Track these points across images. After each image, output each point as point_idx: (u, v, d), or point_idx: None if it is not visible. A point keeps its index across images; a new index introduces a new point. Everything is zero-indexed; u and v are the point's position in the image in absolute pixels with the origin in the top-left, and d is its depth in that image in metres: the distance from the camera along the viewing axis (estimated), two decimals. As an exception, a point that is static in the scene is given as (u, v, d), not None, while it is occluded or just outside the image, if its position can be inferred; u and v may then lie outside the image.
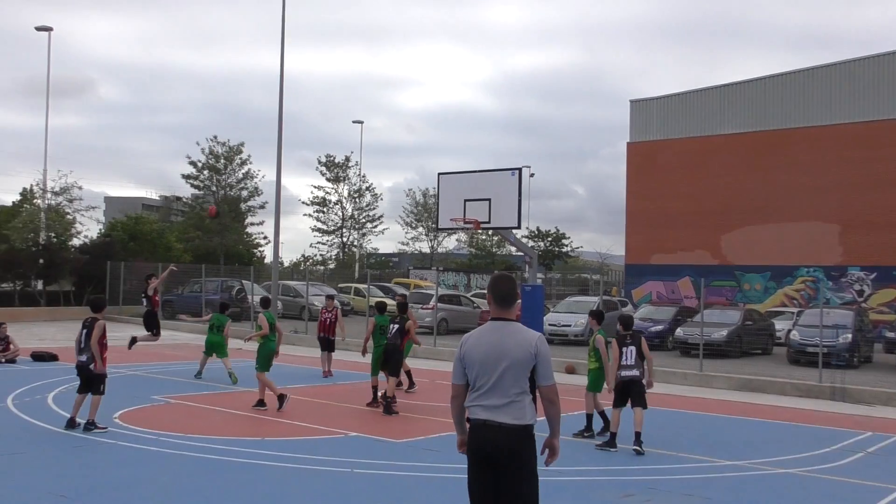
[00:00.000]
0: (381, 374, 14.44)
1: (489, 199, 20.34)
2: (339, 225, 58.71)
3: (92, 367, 11.12)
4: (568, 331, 27.39)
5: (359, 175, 58.38)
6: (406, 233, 62.85)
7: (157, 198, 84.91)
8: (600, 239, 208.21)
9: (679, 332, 25.33)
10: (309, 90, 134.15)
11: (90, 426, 11.00)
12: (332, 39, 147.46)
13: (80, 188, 39.21)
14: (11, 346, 19.19)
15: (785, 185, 35.21)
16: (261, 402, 13.45)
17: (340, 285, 43.21)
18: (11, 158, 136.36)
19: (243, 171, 49.67)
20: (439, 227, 23.53)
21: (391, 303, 18.07)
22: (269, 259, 53.69)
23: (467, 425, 5.20)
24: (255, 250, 56.70)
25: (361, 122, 58.15)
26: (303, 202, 62.25)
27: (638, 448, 10.83)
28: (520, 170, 20.96)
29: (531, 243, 61.92)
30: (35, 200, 42.51)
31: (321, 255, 61.22)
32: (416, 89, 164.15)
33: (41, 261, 35.59)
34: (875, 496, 9.27)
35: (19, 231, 36.83)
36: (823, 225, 34.39)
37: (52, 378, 16.22)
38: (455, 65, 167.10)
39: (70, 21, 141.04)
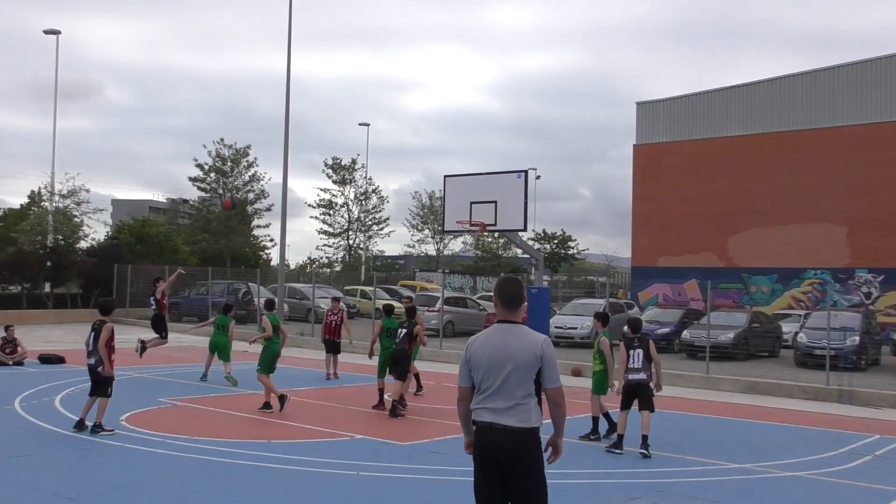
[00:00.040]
0: (388, 377, 14.45)
1: (495, 202, 20.34)
2: (345, 227, 58.79)
3: (100, 369, 11.15)
4: (574, 333, 27.35)
5: (365, 177, 58.50)
6: (412, 235, 63.00)
7: (164, 200, 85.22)
8: (606, 241, 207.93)
9: (685, 334, 25.28)
10: (315, 93, 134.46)
11: (97, 428, 11.02)
12: (339, 42, 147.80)
13: (87, 191, 39.36)
14: (19, 349, 19.24)
15: (792, 187, 35.12)
16: (267, 405, 13.46)
17: (346, 287, 43.26)
18: (19, 161, 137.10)
19: (250, 173, 49.79)
20: (445, 229, 23.54)
21: (398, 305, 18.08)
22: (275, 261, 53.75)
23: (474, 427, 5.20)
24: (262, 253, 56.78)
25: (367, 125, 58.25)
26: (309, 205, 62.21)
27: (645, 451, 10.81)
28: (526, 172, 20.96)
29: (537, 246, 61.91)
30: (43, 203, 42.64)
31: (327, 257, 61.39)
32: (422, 92, 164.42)
33: (49, 263, 35.69)
34: (883, 499, 9.23)
35: (27, 234, 36.94)
36: (830, 227, 34.28)
37: (59, 380, 16.27)
38: (461, 67, 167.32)
39: (78, 24, 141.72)
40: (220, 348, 17.31)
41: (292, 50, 28.13)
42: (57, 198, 38.59)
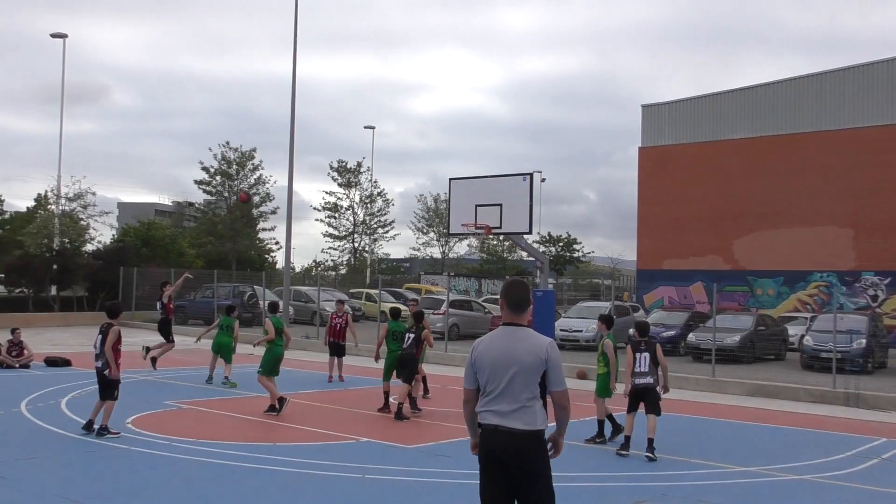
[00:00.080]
0: (394, 381, 14.46)
1: (500, 205, 20.33)
2: (350, 230, 58.84)
3: (106, 372, 11.18)
4: (579, 336, 27.32)
5: (370, 180, 58.56)
6: (417, 238, 62.99)
7: (170, 203, 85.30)
8: (612, 244, 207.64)
9: (691, 337, 25.23)
10: (321, 96, 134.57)
11: (103, 431, 11.04)
12: (344, 45, 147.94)
13: (93, 194, 39.55)
14: (25, 352, 19.29)
15: (798, 190, 35.05)
16: (272, 408, 13.47)
17: (352, 290, 43.30)
18: (26, 164, 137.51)
19: (255, 176, 49.91)
20: (450, 232, 23.54)
21: (404, 308, 18.06)
22: (280, 264, 53.79)
23: (479, 430, 5.21)
24: (267, 255, 56.89)
25: (373, 128, 58.28)
26: (314, 207, 62.39)
27: (650, 454, 10.80)
28: (531, 175, 20.94)
29: (542, 248, 61.89)
30: (49, 206, 42.79)
31: (333, 260, 61.41)
32: (428, 95, 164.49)
33: (55, 266, 35.79)
34: (891, 503, 9.20)
35: (33, 237, 37.09)
36: (837, 229, 34.20)
37: (65, 383, 16.30)
38: (466, 70, 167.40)
39: (84, 28, 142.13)
40: (222, 349, 17.36)
41: (298, 53, 28.17)
42: (63, 201, 38.75)
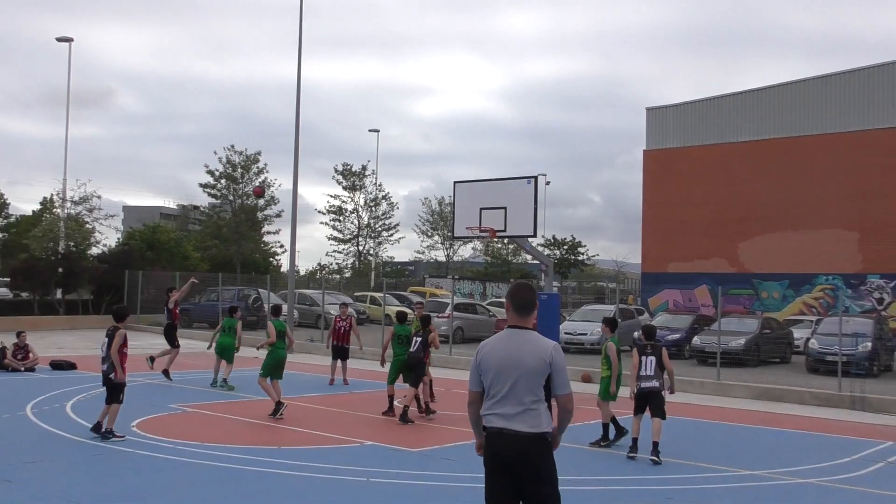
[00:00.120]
0: (400, 384, 14.46)
1: (505, 208, 20.35)
2: (355, 234, 58.90)
3: (112, 375, 11.20)
4: (584, 339, 27.28)
5: (375, 183, 58.62)
6: (422, 241, 63.04)
7: (175, 207, 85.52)
8: (616, 247, 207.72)
9: (696, 340, 25.19)
10: (325, 99, 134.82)
11: (108, 434, 11.06)
12: (349, 49, 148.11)
13: (99, 197, 39.60)
14: (31, 355, 19.33)
15: (803, 193, 35.00)
16: (277, 411, 13.47)
17: (356, 294, 43.32)
18: (32, 168, 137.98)
19: (260, 179, 49.95)
20: (455, 235, 23.59)
21: (410, 312, 18.07)
22: (285, 268, 53.92)
23: (484, 433, 5.21)
24: (272, 259, 56.98)
25: (377, 131, 58.39)
26: (319, 211, 62.47)
27: (655, 458, 10.78)
28: (535, 178, 20.96)
29: (547, 251, 61.83)
30: (55, 210, 42.92)
31: (337, 263, 61.51)
32: (432, 98, 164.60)
33: (60, 270, 35.87)
34: (896, 507, 9.16)
35: (39, 240, 37.16)
36: (842, 232, 34.14)
37: (70, 386, 16.32)
38: (470, 73, 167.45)
39: (90, 32, 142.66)
40: (225, 350, 17.39)
41: (303, 56, 28.21)
42: (69, 204, 38.84)
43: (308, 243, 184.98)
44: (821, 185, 34.56)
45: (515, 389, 5.05)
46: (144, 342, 26.27)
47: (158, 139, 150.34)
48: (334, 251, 59.88)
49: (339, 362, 18.89)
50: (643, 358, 11.30)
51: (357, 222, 58.72)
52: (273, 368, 13.68)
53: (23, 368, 18.80)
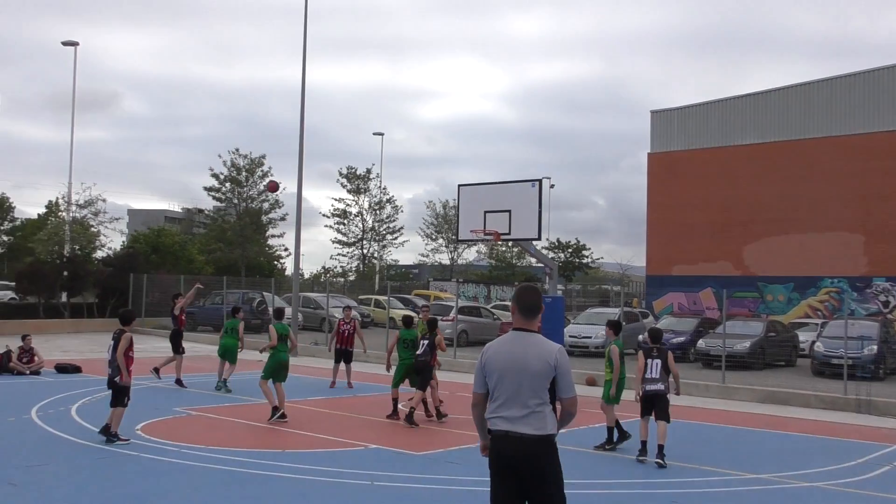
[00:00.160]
0: (405, 387, 14.47)
1: (509, 211, 20.32)
2: (359, 237, 58.92)
3: (117, 379, 11.21)
4: (588, 342, 27.25)
5: (379, 187, 58.65)
6: (426, 244, 63.04)
7: (180, 210, 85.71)
8: (621, 250, 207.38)
9: (701, 343, 25.13)
10: (330, 102, 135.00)
11: (113, 438, 11.07)
12: (353, 52, 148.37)
13: (104, 201, 39.73)
14: (36, 358, 19.37)
15: (808, 195, 34.92)
16: (282, 414, 13.47)
17: (361, 297, 43.33)
18: (37, 172, 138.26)
19: (264, 183, 50.03)
20: (459, 238, 23.53)
21: (416, 317, 18.06)
22: (289, 271, 54.01)
23: (489, 435, 5.21)
24: (276, 262, 57.05)
25: (382, 134, 58.40)
26: (323, 214, 62.48)
27: (660, 461, 10.77)
28: (540, 181, 20.93)
29: (551, 255, 61.79)
30: (60, 213, 43.03)
31: (342, 266, 61.51)
32: (436, 101, 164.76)
33: (65, 273, 35.97)
34: (902, 511, 9.13)
35: (44, 244, 37.29)
36: (848, 235, 34.05)
37: (75, 390, 16.35)
38: (475, 76, 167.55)
39: (95, 36, 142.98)
40: (228, 351, 17.40)
41: (307, 60, 28.25)
42: (74, 208, 38.95)
43: (312, 246, 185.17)
44: (826, 188, 34.48)
45: (520, 392, 5.05)
46: (149, 345, 26.32)
47: (163, 142, 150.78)
48: (339, 254, 59.96)
49: (342, 365, 18.89)
50: (649, 361, 11.30)
51: (361, 225, 58.77)
52: (274, 371, 13.67)
53: (28, 372, 18.84)
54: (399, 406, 14.30)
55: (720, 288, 28.35)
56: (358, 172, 57.83)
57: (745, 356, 23.87)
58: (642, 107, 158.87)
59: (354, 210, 58.25)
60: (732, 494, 9.65)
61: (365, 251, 59.66)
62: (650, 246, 40.14)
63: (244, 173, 49.63)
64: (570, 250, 65.07)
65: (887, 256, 33.10)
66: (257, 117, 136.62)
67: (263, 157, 49.95)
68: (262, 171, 49.79)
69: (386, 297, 33.94)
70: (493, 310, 35.44)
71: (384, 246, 59.94)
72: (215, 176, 49.41)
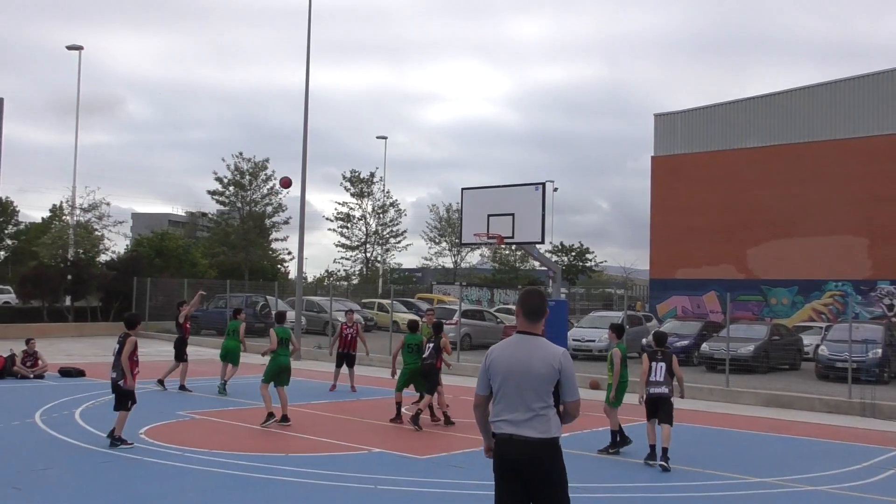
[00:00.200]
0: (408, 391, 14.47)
1: (512, 214, 20.33)
2: (362, 240, 58.97)
3: (121, 382, 11.22)
4: (592, 346, 27.24)
5: (382, 190, 58.70)
6: (429, 248, 63.10)
7: (183, 214, 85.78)
8: (624, 253, 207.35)
9: (705, 347, 25.09)
10: (333, 106, 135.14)
11: (116, 442, 11.07)
12: (357, 55, 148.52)
13: (108, 204, 39.78)
14: (40, 362, 19.38)
15: (812, 199, 34.89)
16: (284, 418, 13.46)
17: (364, 300, 43.36)
18: (42, 175, 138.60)
19: (268, 186, 50.16)
20: (463, 242, 23.55)
21: (422, 321, 18.06)
22: (293, 274, 53.94)
23: (493, 438, 5.21)
24: (280, 266, 57.08)
25: (385, 138, 58.46)
26: (327, 218, 62.58)
27: (665, 464, 10.75)
28: (543, 184, 20.95)
29: (555, 258, 61.76)
30: (64, 217, 43.09)
31: (345, 270, 61.58)
32: (440, 105, 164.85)
33: (69, 277, 36.02)
34: (907, 515, 9.10)
35: (48, 247, 37.31)
36: (852, 238, 34.00)
37: (79, 394, 16.36)
38: (477, 80, 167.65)
39: (100, 40, 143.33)
40: (230, 354, 17.39)
41: (311, 63, 28.28)
42: (78, 212, 39.00)
43: (316, 250, 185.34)
44: (830, 191, 34.45)
45: (524, 395, 5.06)
46: (153, 349, 26.34)
47: (167, 146, 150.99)
48: (342, 258, 60.05)
49: (344, 369, 18.87)
50: (653, 364, 11.30)
51: (365, 229, 58.85)
52: (274, 375, 13.65)
53: (32, 376, 18.85)
54: (403, 410, 14.31)
55: (724, 291, 28.33)
56: (361, 176, 57.93)
57: (748, 360, 23.84)
58: (645, 110, 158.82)
59: (358, 214, 58.38)
60: (736, 498, 9.62)
61: (368, 255, 59.73)
62: (653, 249, 40.12)
63: (248, 177, 49.71)
64: (573, 254, 65.07)
65: (891, 260, 33.05)
66: (261, 121, 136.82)
67: (267, 160, 50.09)
68: (265, 174, 49.91)
69: (389, 301, 33.93)
70: (496, 313, 35.42)
71: (387, 249, 60.04)
72: (219, 180, 49.52)
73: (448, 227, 60.79)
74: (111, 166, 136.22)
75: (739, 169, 37.01)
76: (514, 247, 47.74)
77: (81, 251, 37.61)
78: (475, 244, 28.15)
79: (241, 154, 49.70)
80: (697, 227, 37.56)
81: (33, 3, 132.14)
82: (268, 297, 35.36)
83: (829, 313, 34.52)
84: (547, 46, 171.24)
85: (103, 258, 39.85)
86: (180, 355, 17.82)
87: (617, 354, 12.01)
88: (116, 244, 48.37)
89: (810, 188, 34.95)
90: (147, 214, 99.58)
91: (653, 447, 11.15)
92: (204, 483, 9.41)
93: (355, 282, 59.82)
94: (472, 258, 64.41)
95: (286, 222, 51.50)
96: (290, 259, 56.02)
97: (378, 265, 60.25)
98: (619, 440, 11.96)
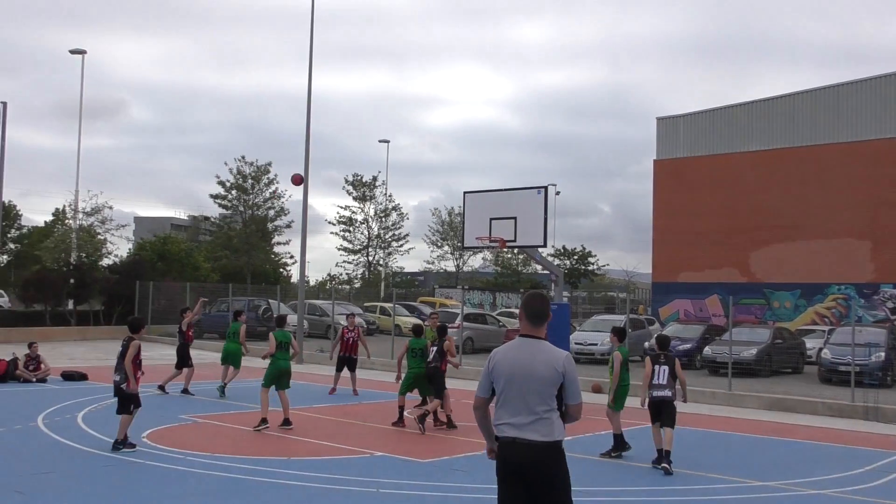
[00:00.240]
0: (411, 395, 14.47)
1: (515, 218, 20.33)
2: (365, 244, 59.00)
3: (124, 386, 11.23)
4: (594, 349, 27.21)
5: (385, 194, 58.74)
6: (432, 251, 63.10)
7: (186, 218, 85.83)
8: (627, 257, 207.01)
9: (707, 350, 25.07)
10: (336, 109, 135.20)
11: (119, 445, 11.08)
12: (359, 59, 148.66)
13: (110, 208, 39.85)
14: (42, 366, 19.40)
15: (815, 202, 34.87)
16: (286, 422, 13.46)
17: (366, 304, 43.37)
18: (44, 179, 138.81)
19: (270, 190, 50.23)
20: (465, 245, 23.55)
21: (427, 325, 18.07)
22: (295, 278, 54.05)
23: (496, 442, 5.21)
24: (282, 269, 57.10)
25: (388, 142, 58.50)
26: (329, 221, 62.55)
27: (667, 467, 10.74)
28: (545, 188, 20.94)
29: (557, 262, 61.79)
30: (67, 221, 43.18)
31: (347, 274, 61.61)
32: (442, 108, 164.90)
33: (72, 280, 36.05)
34: (911, 518, 9.08)
35: (51, 251, 37.38)
36: (855, 241, 33.97)
37: (82, 397, 16.37)
38: (480, 83, 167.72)
39: (102, 44, 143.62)
40: (231, 356, 17.38)
41: (313, 67, 28.31)
42: (81, 215, 39.06)
43: (318, 254, 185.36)
44: (833, 195, 34.42)
45: (528, 399, 5.06)
46: (156, 353, 26.35)
47: (170, 150, 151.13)
48: (344, 262, 60.08)
49: (346, 372, 18.86)
50: (656, 367, 11.29)
51: (367, 233, 58.88)
52: (274, 379, 13.64)
53: (34, 379, 18.87)
54: (405, 413, 14.31)
55: (726, 295, 28.31)
56: (364, 180, 57.99)
57: (751, 363, 23.81)
58: (648, 113, 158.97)
59: (360, 217, 58.41)
60: (739, 502, 9.61)
61: (370, 258, 59.75)
62: (656, 253, 40.11)
63: (250, 181, 49.76)
64: (575, 257, 65.07)
65: (894, 263, 33.02)
66: (263, 125, 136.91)
67: (269, 164, 50.11)
68: (267, 178, 49.96)
69: (391, 305, 33.94)
70: (498, 317, 35.41)
71: (389, 253, 60.08)
72: (221, 183, 49.55)
73: (450, 231, 60.81)
74: (114, 170, 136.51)
75: (742, 172, 37.00)
76: (516, 250, 47.71)
77: (84, 255, 37.66)
78: (477, 248, 28.20)
79: (243, 158, 49.78)
80: (700, 231, 37.55)
81: (37, 7, 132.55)
82: (270, 300, 35.36)
83: (832, 317, 34.48)
84: (549, 50, 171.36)
85: (106, 262, 39.93)
86: (182, 362, 17.77)
87: (617, 358, 12.01)
88: (119, 248, 48.36)
89: (813, 191, 34.94)
90: (149, 218, 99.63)
91: (660, 451, 11.14)
92: (206, 487, 9.41)
93: (357, 285, 59.84)
94: (475, 262, 64.41)
95: (288, 226, 51.57)
96: (293, 263, 56.10)
97: (380, 269, 60.27)
98: (620, 444, 11.95)
